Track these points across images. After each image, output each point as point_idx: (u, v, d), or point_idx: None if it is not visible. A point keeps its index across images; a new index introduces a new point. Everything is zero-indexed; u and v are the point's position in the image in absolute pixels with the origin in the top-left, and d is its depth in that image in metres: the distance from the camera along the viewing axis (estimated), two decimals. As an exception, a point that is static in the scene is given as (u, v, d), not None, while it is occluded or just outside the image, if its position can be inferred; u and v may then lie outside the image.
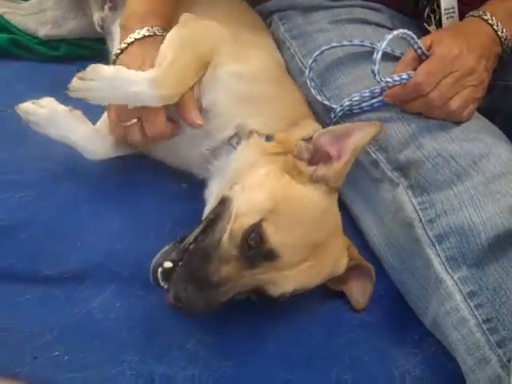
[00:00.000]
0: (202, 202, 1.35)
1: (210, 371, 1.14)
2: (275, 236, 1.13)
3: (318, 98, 1.41)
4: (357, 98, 1.35)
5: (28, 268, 1.27)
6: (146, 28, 1.36)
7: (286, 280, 1.16)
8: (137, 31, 1.36)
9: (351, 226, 1.41)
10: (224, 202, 1.20)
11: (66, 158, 1.47)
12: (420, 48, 1.31)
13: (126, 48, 1.36)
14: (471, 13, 1.43)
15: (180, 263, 1.12)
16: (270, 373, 1.15)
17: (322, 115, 1.43)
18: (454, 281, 1.15)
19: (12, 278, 1.25)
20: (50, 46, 2.05)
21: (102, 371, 1.11)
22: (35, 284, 1.24)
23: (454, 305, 1.14)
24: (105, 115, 1.45)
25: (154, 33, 1.37)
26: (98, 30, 1.90)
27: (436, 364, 1.19)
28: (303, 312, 1.27)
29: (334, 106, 1.38)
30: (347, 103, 1.36)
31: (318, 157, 1.22)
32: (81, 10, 2.03)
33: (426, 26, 1.51)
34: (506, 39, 1.38)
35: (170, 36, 1.38)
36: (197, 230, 1.18)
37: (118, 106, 1.32)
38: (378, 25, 1.51)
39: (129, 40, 1.36)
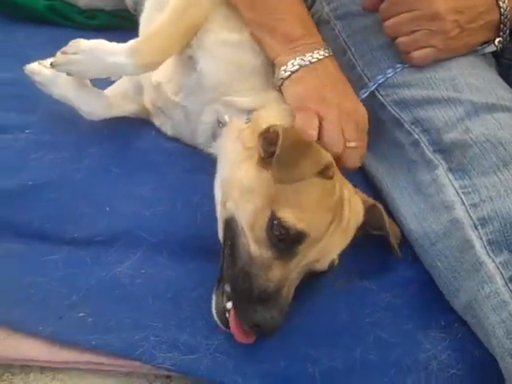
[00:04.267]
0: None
1: (232, 343, 1.12)
2: (293, 216, 1.12)
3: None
4: (390, 74, 1.37)
5: (56, 229, 1.27)
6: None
7: (326, 251, 1.18)
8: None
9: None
10: (229, 223, 1.19)
11: (99, 121, 1.48)
12: None
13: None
14: None
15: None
16: (293, 347, 1.14)
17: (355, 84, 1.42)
18: (495, 264, 1.13)
19: (40, 237, 1.26)
20: (88, 16, 2.07)
21: (126, 335, 1.11)
22: (63, 245, 1.25)
23: (495, 288, 1.12)
24: (116, 83, 1.52)
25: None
26: (132, 11, 1.90)
27: (463, 350, 1.17)
28: (328, 292, 1.25)
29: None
30: (381, 80, 1.38)
31: None
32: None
33: None
34: (505, 10, 1.35)
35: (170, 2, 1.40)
36: (225, 262, 1.18)
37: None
38: None
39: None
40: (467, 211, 1.19)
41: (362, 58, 1.46)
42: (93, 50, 1.33)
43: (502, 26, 1.37)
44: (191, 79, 1.42)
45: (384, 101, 1.38)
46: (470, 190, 1.21)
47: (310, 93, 1.28)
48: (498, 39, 1.39)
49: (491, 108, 1.27)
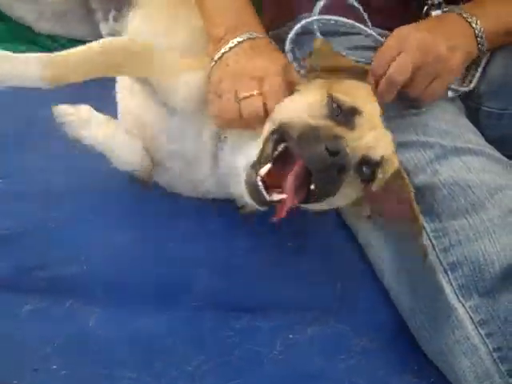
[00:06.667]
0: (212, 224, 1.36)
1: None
2: (346, 97, 1.14)
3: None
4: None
5: (30, 279, 1.25)
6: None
7: (379, 140, 1.15)
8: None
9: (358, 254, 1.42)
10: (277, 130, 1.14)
11: (73, 170, 1.46)
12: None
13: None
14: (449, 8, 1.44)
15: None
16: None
17: None
18: (465, 309, 1.15)
19: (13, 287, 1.24)
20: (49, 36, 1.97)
21: (101, 388, 1.10)
22: (36, 295, 1.23)
23: (465, 333, 1.14)
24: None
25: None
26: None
27: (436, 395, 1.19)
28: (302, 336, 1.26)
29: None
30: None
31: None
32: (88, 12, 1.92)
33: None
34: (481, 38, 1.38)
35: None
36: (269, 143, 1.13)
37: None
38: None
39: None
40: (438, 256, 1.22)
41: None
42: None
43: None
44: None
45: None
46: (440, 233, 1.23)
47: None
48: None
49: (459, 151, 1.30)
